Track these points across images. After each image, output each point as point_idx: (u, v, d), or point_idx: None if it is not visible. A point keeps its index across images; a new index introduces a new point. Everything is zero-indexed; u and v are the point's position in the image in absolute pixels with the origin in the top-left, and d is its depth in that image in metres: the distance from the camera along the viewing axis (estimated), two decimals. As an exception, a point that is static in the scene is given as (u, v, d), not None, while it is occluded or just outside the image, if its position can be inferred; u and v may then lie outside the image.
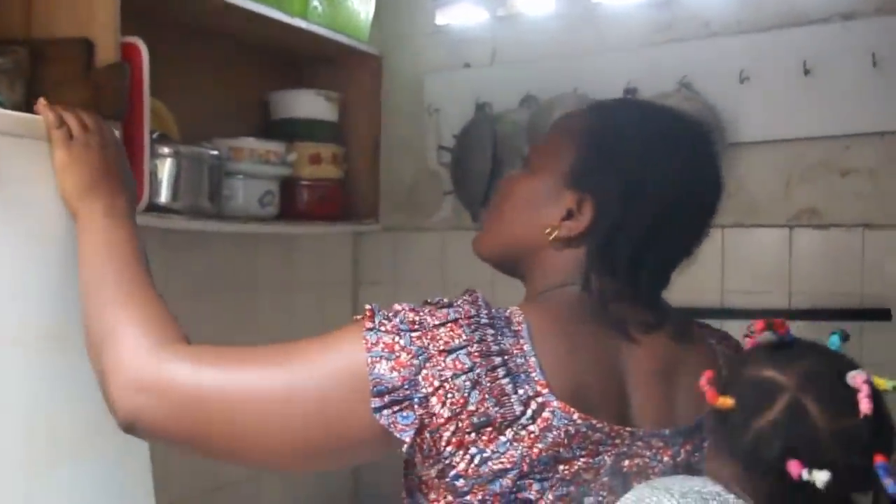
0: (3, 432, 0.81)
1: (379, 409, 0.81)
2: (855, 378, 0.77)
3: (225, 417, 0.82)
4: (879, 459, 0.74)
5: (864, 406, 0.75)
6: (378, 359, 0.81)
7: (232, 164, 1.67)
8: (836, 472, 0.73)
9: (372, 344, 0.82)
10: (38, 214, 0.88)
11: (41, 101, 1.03)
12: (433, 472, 0.84)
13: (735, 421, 0.80)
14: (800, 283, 1.80)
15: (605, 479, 0.86)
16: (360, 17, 1.97)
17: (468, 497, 0.83)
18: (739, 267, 1.88)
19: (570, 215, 0.93)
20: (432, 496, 0.86)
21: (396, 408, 0.81)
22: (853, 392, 0.77)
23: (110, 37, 1.24)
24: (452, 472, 0.82)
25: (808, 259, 1.81)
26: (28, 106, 1.12)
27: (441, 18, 2.28)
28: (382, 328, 0.84)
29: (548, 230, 0.94)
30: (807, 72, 1.74)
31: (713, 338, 1.02)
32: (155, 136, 1.43)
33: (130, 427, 0.85)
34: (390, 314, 0.86)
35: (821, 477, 0.73)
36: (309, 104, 1.94)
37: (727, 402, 0.80)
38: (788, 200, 1.83)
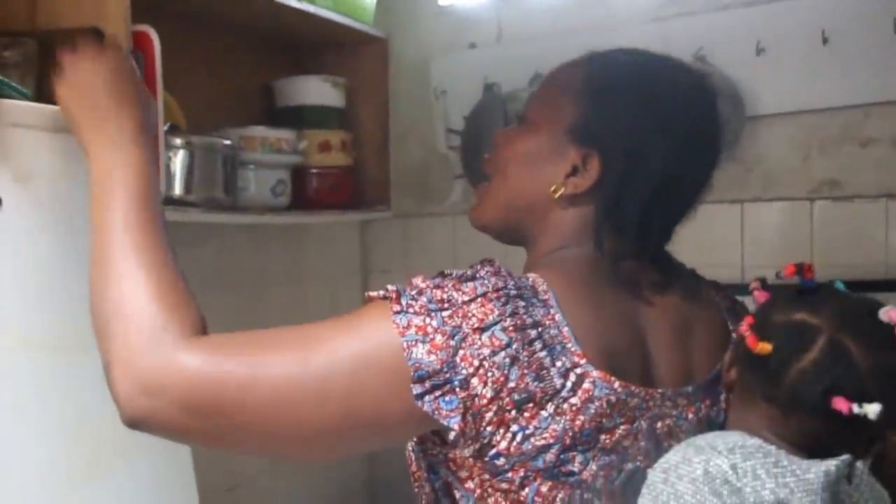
0: (48, 441, 0.78)
1: (421, 396, 0.77)
2: (889, 313, 0.81)
3: (245, 413, 0.76)
4: None
5: None
6: (414, 343, 0.77)
7: (244, 153, 1.63)
8: (882, 406, 0.76)
9: (404, 328, 0.78)
10: (66, 210, 0.84)
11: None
12: (468, 453, 0.81)
13: (772, 365, 0.82)
14: (822, 256, 1.77)
15: (643, 443, 0.84)
16: (365, 0, 1.92)
17: (508, 475, 0.80)
18: (760, 241, 1.85)
19: (574, 171, 0.91)
20: (463, 474, 0.83)
21: (438, 392, 0.77)
22: (888, 327, 0.80)
23: (121, 25, 1.19)
24: (492, 452, 0.79)
25: (829, 231, 1.78)
26: (40, 99, 1.08)
27: (444, -1, 2.23)
28: (411, 310, 0.79)
29: (553, 188, 0.91)
30: (825, 41, 1.71)
31: (712, 289, 1.01)
32: (166, 127, 1.39)
33: (135, 426, 0.77)
34: (415, 293, 0.81)
35: (873, 409, 0.76)
36: (315, 91, 1.89)
37: (766, 347, 0.82)
38: (808, 172, 1.80)
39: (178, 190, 1.43)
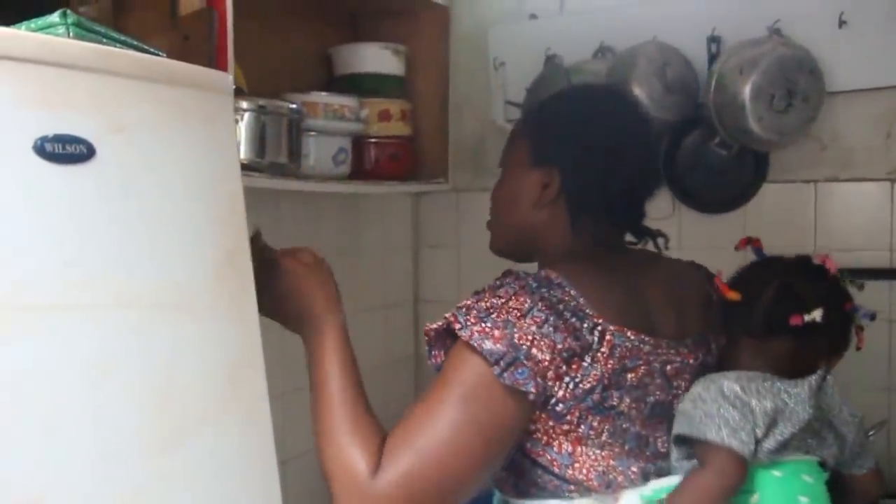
0: (137, 405, 0.74)
1: (500, 374, 0.97)
2: (818, 256, 1.14)
3: (448, 486, 0.97)
4: (849, 306, 1.11)
5: (831, 266, 1.12)
6: (481, 341, 0.98)
7: (306, 120, 1.58)
8: (824, 316, 1.05)
9: (469, 336, 0.99)
10: (161, 162, 0.78)
11: None
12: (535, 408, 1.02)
13: (745, 308, 1.10)
14: (903, 239, 1.71)
15: (658, 381, 1.08)
16: (427, -35, 1.87)
17: (567, 417, 1.01)
18: (834, 223, 1.78)
19: (545, 187, 1.15)
20: (531, 428, 1.03)
21: (511, 368, 0.97)
22: (819, 266, 1.12)
23: (194, -19, 1.16)
24: (553, 401, 1.01)
25: (910, 214, 1.71)
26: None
27: (504, -33, 2.17)
28: (469, 323, 1.00)
29: (534, 202, 1.16)
30: (915, 13, 1.63)
31: (692, 267, 1.28)
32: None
33: None
34: (464, 311, 1.01)
35: (818, 313, 1.05)
36: (375, 58, 1.85)
37: (735, 294, 1.11)
38: (889, 152, 1.72)
39: (244, 154, 1.38)
